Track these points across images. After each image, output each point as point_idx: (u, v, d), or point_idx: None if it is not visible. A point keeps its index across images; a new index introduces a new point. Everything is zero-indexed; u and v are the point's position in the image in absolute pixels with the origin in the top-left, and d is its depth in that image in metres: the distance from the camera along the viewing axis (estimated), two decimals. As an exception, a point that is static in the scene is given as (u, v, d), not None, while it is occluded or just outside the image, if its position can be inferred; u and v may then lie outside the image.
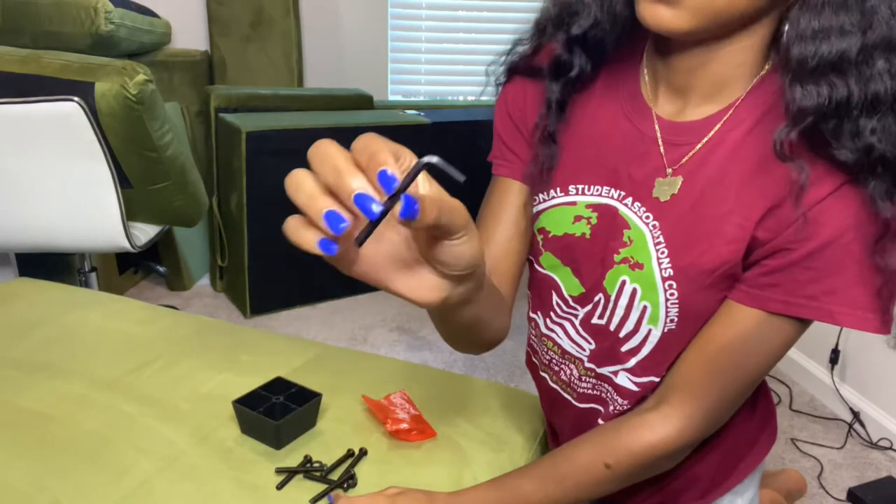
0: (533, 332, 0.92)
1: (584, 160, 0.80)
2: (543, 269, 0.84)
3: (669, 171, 0.74)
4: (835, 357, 2.27)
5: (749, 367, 0.73)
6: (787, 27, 0.63)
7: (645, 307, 0.76)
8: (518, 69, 0.83)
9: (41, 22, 2.30)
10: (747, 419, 0.88)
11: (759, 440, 0.90)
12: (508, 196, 0.85)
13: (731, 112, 0.71)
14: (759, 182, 0.69)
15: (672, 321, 0.75)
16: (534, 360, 0.94)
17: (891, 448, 2.09)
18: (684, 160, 0.74)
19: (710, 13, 0.63)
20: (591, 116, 0.80)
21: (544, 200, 0.82)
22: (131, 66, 1.72)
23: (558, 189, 0.81)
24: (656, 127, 0.75)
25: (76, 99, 1.68)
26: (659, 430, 0.75)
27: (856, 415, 2.20)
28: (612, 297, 0.78)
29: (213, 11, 2.93)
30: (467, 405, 1.10)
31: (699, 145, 0.73)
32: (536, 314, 0.89)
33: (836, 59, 0.60)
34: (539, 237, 0.83)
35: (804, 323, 0.71)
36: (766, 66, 0.70)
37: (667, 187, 0.74)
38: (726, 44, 0.68)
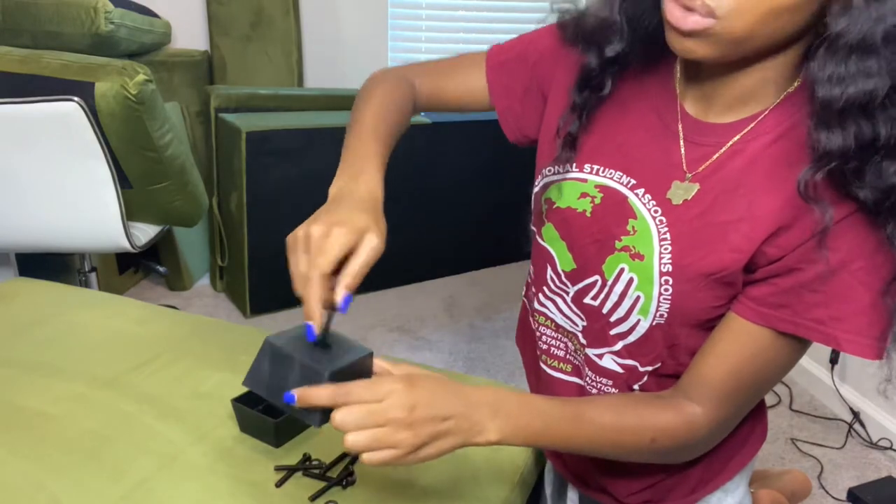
0: (528, 305, 0.93)
1: (606, 144, 0.81)
2: (543, 241, 0.86)
3: (689, 175, 0.75)
4: (835, 357, 2.27)
5: (765, 380, 0.76)
6: (813, 65, 0.63)
7: (638, 297, 0.77)
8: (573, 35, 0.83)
9: (41, 22, 2.30)
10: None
11: (749, 440, 0.91)
12: (478, 85, 0.92)
13: (755, 122, 0.72)
14: (773, 196, 0.70)
15: (661, 316, 0.77)
16: (531, 328, 0.94)
17: (891, 448, 2.09)
18: (702, 167, 0.75)
19: (732, 44, 0.64)
20: (621, 103, 0.82)
21: (558, 173, 0.84)
22: (131, 66, 1.72)
23: (574, 165, 0.83)
24: (680, 125, 0.77)
25: (76, 99, 1.68)
26: (696, 426, 0.76)
27: (856, 415, 2.20)
28: (609, 282, 0.79)
29: (213, 11, 2.93)
30: (466, 404, 1.10)
31: (719, 152, 0.74)
32: (533, 288, 0.91)
33: (865, 101, 0.60)
34: (544, 207, 0.85)
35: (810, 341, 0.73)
36: (797, 83, 0.71)
37: (682, 192, 0.75)
38: (755, 63, 0.69)
